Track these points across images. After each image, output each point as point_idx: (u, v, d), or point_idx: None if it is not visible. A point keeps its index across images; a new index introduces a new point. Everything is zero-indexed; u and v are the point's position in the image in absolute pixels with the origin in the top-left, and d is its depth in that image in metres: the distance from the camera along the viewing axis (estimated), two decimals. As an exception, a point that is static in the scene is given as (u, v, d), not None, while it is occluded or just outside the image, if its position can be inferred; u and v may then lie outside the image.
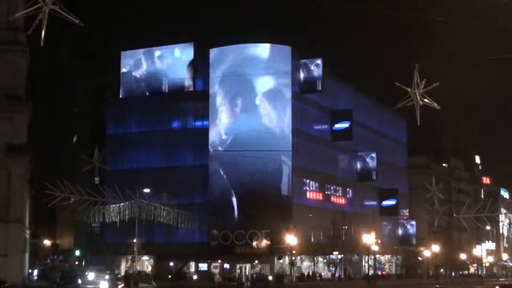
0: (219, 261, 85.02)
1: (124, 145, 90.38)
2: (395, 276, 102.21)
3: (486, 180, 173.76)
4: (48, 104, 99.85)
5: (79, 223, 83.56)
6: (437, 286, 75.86)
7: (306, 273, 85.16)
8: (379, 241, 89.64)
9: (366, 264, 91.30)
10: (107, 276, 70.18)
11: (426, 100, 23.24)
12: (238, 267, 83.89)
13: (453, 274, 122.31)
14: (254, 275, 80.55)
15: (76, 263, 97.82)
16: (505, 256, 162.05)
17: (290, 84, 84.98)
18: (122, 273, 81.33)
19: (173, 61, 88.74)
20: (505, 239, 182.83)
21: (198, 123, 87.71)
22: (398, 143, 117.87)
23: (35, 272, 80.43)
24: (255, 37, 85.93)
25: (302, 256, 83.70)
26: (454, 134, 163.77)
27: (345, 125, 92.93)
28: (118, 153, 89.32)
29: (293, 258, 77.19)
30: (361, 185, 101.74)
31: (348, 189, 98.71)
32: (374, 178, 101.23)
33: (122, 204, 56.35)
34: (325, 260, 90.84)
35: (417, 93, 22.92)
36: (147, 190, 59.55)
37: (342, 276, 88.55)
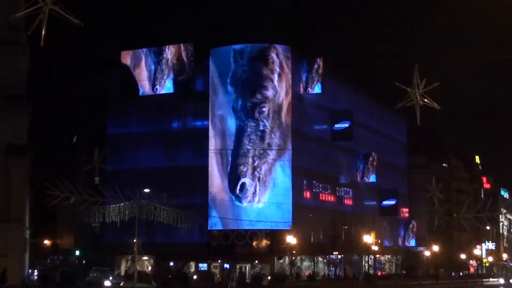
0: (219, 261, 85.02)
1: (124, 145, 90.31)
2: (395, 276, 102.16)
3: (486, 180, 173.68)
4: (48, 104, 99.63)
5: (79, 223, 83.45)
6: None
7: (306, 273, 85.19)
8: (379, 241, 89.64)
9: (366, 264, 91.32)
10: (110, 276, 69.99)
11: (426, 100, 23.24)
12: (238, 267, 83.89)
13: (453, 274, 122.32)
14: (252, 273, 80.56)
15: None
16: (505, 256, 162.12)
17: (290, 84, 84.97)
18: (122, 273, 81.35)
19: (173, 61, 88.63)
20: (505, 239, 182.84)
21: (198, 123, 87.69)
22: (398, 143, 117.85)
23: (35, 272, 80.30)
24: (255, 37, 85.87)
25: (302, 256, 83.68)
26: (454, 134, 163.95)
27: (345, 125, 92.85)
28: (118, 153, 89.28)
29: (293, 258, 77.15)
30: (361, 185, 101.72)
31: (348, 189, 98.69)
32: (374, 178, 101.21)
33: (122, 204, 56.06)
34: (325, 260, 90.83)
35: (417, 93, 22.92)
36: (147, 190, 59.50)
37: (343, 276, 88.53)
